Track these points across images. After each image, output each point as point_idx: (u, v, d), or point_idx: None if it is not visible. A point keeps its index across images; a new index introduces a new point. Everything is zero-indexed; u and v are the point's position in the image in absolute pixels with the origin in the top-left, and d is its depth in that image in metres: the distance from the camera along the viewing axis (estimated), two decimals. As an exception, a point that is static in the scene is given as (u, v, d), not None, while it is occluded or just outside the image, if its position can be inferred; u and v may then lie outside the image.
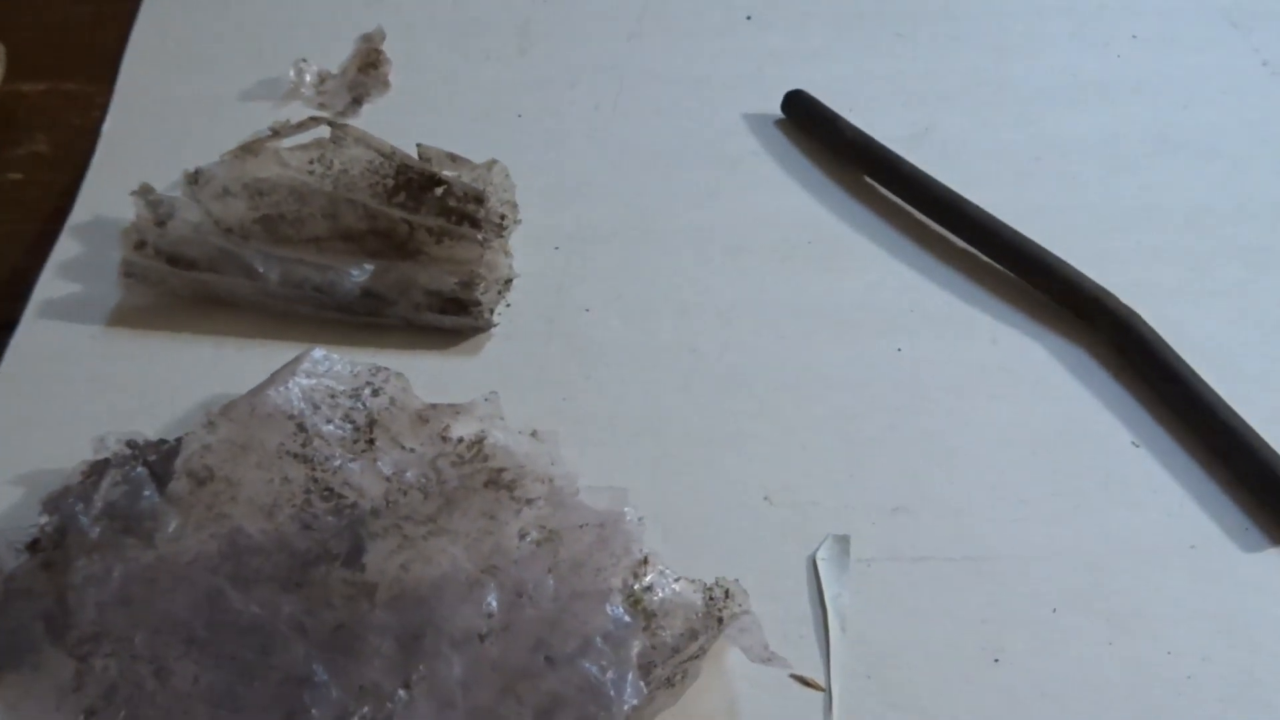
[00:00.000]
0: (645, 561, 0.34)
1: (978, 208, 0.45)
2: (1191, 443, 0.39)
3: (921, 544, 0.36)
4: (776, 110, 0.52)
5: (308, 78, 0.53)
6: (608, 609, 0.33)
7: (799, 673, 0.33)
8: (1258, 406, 0.39)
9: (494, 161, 0.46)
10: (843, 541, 0.36)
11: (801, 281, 0.44)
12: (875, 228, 0.47)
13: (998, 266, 0.44)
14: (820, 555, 0.36)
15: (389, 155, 0.45)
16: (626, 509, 0.35)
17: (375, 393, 0.38)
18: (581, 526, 0.35)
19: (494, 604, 0.33)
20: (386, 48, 0.54)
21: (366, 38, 0.54)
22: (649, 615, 0.33)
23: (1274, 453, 0.37)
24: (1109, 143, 0.50)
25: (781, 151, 0.50)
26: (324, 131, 0.46)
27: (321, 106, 0.52)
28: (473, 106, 0.52)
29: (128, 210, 0.43)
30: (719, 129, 0.51)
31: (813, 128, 0.50)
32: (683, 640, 0.33)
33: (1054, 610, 0.35)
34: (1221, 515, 0.37)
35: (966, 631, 0.34)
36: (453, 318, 0.42)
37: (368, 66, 0.53)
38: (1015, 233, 0.44)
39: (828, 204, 0.48)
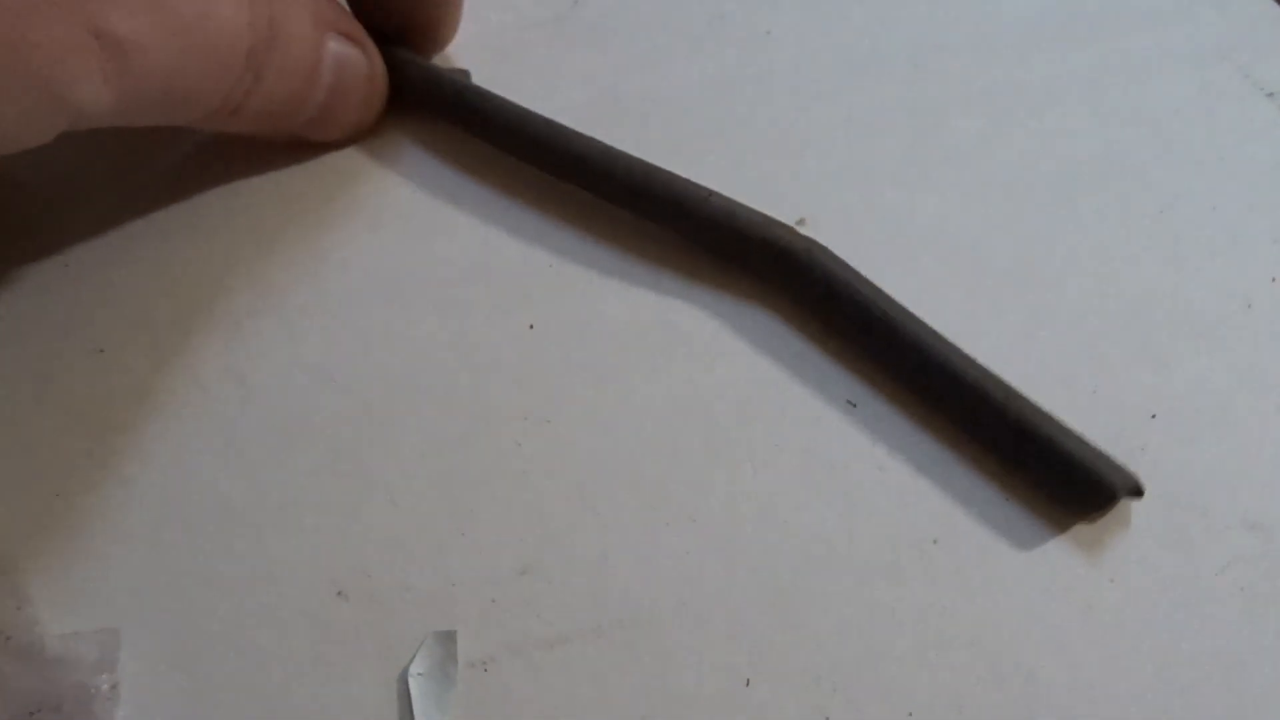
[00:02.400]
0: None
1: (588, 139, 0.32)
2: (918, 411, 0.28)
3: (561, 616, 0.26)
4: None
5: None
6: None
7: None
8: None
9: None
10: (445, 642, 0.25)
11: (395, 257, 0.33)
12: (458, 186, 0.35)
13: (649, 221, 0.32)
14: (414, 669, 0.25)
15: None
16: (103, 676, 0.23)
17: None
18: (30, 716, 0.23)
19: None
20: None
21: None
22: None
23: (1036, 409, 0.27)
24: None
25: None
26: None
27: None
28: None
29: None
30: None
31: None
32: None
33: (747, 683, 0.25)
34: (983, 505, 0.27)
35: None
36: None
37: None
38: (634, 160, 0.30)
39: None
